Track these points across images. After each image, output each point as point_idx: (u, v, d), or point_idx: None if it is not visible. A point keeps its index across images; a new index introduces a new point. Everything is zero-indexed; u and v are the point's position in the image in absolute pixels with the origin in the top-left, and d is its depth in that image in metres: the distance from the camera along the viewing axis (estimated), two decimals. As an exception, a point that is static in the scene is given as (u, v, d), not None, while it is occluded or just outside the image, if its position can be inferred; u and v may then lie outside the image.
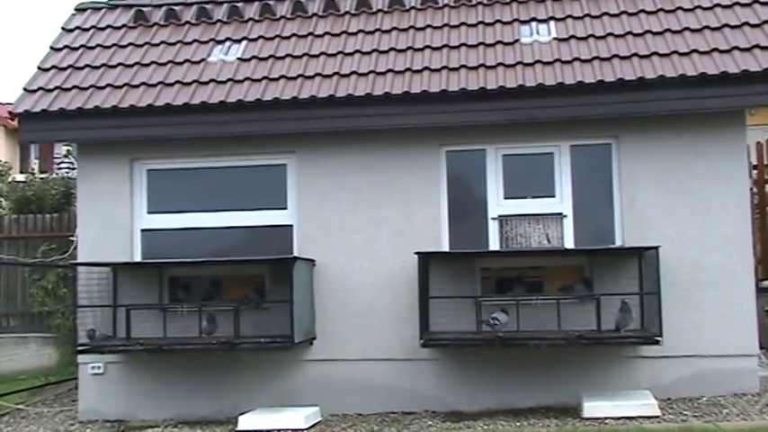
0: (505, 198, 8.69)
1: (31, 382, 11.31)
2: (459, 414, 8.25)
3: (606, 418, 7.55)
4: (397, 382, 8.55)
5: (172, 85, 8.95)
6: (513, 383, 8.42)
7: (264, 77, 8.86)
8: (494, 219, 8.67)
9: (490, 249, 8.58)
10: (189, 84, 8.93)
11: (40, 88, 9.11)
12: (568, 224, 8.58)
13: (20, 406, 9.70)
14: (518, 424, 7.67)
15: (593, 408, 7.69)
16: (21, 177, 17.09)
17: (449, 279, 8.47)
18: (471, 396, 8.46)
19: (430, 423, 7.94)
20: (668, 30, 8.78)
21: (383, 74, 8.70)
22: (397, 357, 8.54)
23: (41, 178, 15.54)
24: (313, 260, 8.70)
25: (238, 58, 9.25)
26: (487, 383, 8.46)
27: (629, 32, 8.81)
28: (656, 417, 7.52)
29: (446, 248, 8.61)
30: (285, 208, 8.96)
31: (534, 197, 8.66)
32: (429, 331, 8.11)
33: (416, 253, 8.15)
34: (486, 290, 8.58)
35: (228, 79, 8.90)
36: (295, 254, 8.69)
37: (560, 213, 8.60)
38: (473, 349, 8.31)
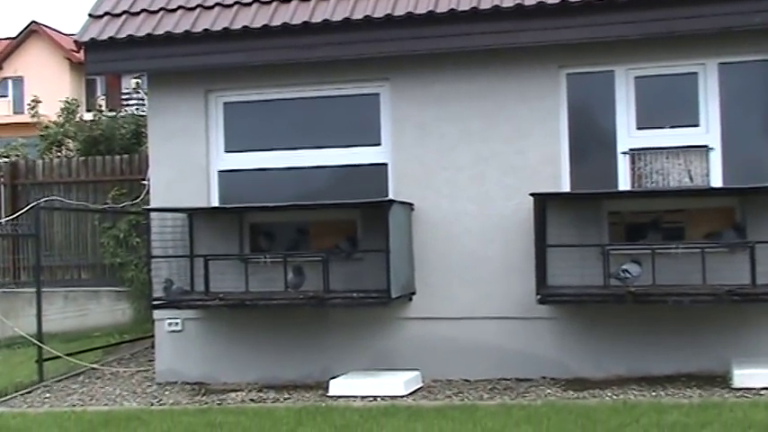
0: (638, 128, 8.43)
1: (105, 339, 11.82)
2: (583, 381, 8.12)
3: (761, 388, 7.32)
4: (510, 344, 8.45)
5: (249, 4, 8.90)
6: (648, 347, 8.21)
7: (354, -8, 8.74)
8: (624, 153, 8.41)
9: (620, 189, 8.35)
10: (268, 3, 8.86)
11: (107, 13, 9.23)
12: (716, 158, 8.25)
13: (94, 365, 10.11)
14: (653, 394, 7.49)
15: (745, 376, 7.44)
16: (88, 116, 17.66)
17: (570, 224, 8.28)
18: (597, 361, 8.30)
19: (549, 391, 7.84)
20: None
21: (491, -16, 8.44)
22: (510, 315, 8.45)
23: (110, 116, 16.00)
24: (411, 203, 8.62)
25: (324, -29, 9.13)
26: (616, 347, 8.28)
27: None
28: (824, 388, 7.20)
29: (567, 189, 8.42)
30: (379, 144, 8.91)
31: (673, 127, 8.38)
32: (547, 285, 7.96)
33: (532, 194, 7.97)
34: (614, 237, 8.38)
35: (313, -5, 8.82)
36: (391, 196, 8.63)
37: (705, 146, 8.28)
38: (599, 306, 8.12)
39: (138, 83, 17.11)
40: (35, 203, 11.06)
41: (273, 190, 9.04)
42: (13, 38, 40.41)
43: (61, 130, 16.95)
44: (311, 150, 9.04)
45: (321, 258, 8.36)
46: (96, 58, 9.18)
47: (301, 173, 9.07)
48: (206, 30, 8.76)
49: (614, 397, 7.45)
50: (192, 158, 9.17)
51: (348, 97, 8.99)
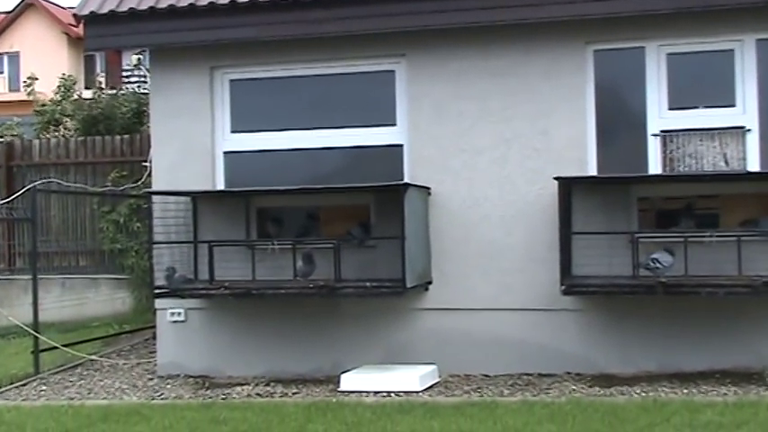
0: (670, 109, 8.37)
1: (103, 330, 11.84)
2: (610, 378, 8.09)
3: (800, 386, 7.30)
4: (532, 338, 8.42)
5: (257, -25, 8.88)
6: (679, 341, 8.16)
7: (368, -39, 8.69)
8: (655, 135, 8.36)
9: (650, 173, 8.30)
10: (277, -27, 8.84)
11: (107, -15, 9.23)
12: (753, 140, 8.18)
13: (93, 357, 10.13)
14: (685, 391, 7.46)
15: (783, 373, 7.42)
16: (87, 94, 17.66)
17: (597, 210, 8.24)
18: (625, 356, 8.26)
19: (573, 387, 7.81)
20: None
21: (514, -47, 8.39)
22: (532, 307, 8.42)
23: (110, 94, 16.01)
24: (428, 187, 8.59)
25: (336, -60, 9.07)
26: (646, 341, 8.24)
27: None
28: None
29: (593, 172, 8.38)
30: (394, 124, 8.88)
31: (708, 107, 8.32)
32: (572, 275, 7.93)
33: (556, 178, 7.93)
34: (644, 224, 8.35)
35: (324, -34, 8.77)
36: (406, 180, 8.59)
37: (742, 127, 8.22)
38: (628, 298, 8.09)
39: (139, 59, 17.11)
40: (31, 186, 11.07)
41: (282, 172, 9.03)
42: (9, 12, 40.43)
43: (58, 108, 16.96)
44: (322, 131, 9.01)
45: (332, 245, 8.33)
46: (96, 32, 9.20)
47: (312, 154, 9.05)
48: (212, 2, 8.73)
49: (643, 394, 7.42)
50: (196, 139, 9.16)
51: (362, 74, 8.96)
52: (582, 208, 8.18)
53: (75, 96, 17.32)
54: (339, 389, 8.06)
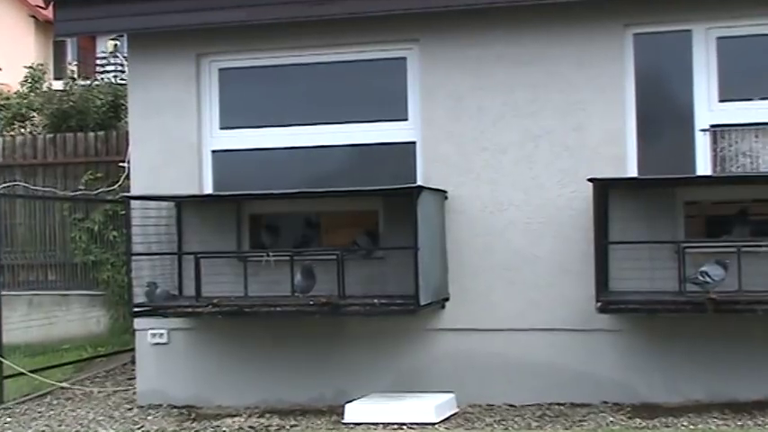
0: (721, 101, 8.41)
1: (76, 353, 11.88)
2: (653, 408, 8.09)
3: None
4: (564, 362, 8.43)
5: (250, -50, 8.94)
6: (732, 367, 8.16)
7: (375, -67, 8.75)
8: (703, 130, 8.38)
9: (698, 174, 8.31)
10: (272, -52, 8.90)
11: (79, -38, 9.30)
12: (816, 137, 8.24)
13: (64, 384, 10.16)
14: (739, 423, 7.45)
15: None
16: (57, 85, 17.73)
17: (637, 217, 8.25)
18: (670, 383, 8.27)
19: (611, 419, 7.82)
20: None
21: (542, -76, 8.42)
22: (563, 327, 8.43)
23: (83, 85, 16.07)
24: (444, 191, 8.62)
25: None
26: (694, 366, 8.24)
27: None
28: None
29: (633, 173, 8.39)
30: (405, 119, 8.92)
31: (764, 98, 8.36)
32: (608, 291, 7.94)
33: (591, 179, 7.93)
34: (691, 232, 8.37)
35: (326, -61, 8.83)
36: (419, 182, 8.61)
37: (804, 122, 8.29)
38: (673, 317, 8.11)
39: (116, 45, 17.19)
40: (-7, 190, 11.13)
41: (278, 174, 9.10)
42: (-32, -7, 40.65)
43: (25, 101, 17.04)
44: (324, 126, 9.06)
45: (335, 257, 8.33)
46: (67, 15, 9.27)
47: (312, 153, 9.09)
48: (198, -19, 8.83)
49: (691, 427, 7.42)
50: (180, 136, 9.20)
51: (369, 62, 9.01)
52: (620, 214, 8.20)
53: (44, 88, 17.38)
54: (343, 420, 8.07)
